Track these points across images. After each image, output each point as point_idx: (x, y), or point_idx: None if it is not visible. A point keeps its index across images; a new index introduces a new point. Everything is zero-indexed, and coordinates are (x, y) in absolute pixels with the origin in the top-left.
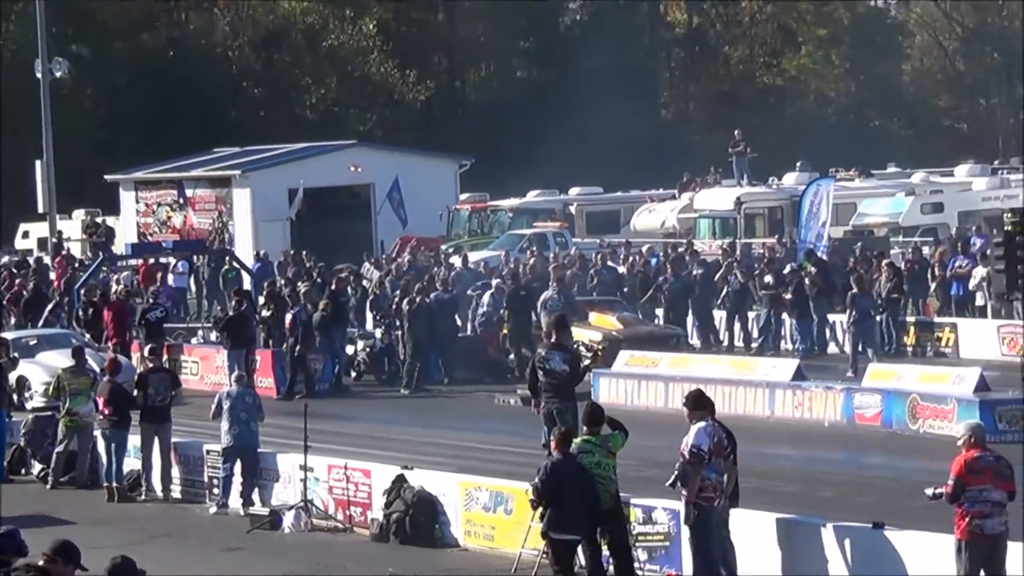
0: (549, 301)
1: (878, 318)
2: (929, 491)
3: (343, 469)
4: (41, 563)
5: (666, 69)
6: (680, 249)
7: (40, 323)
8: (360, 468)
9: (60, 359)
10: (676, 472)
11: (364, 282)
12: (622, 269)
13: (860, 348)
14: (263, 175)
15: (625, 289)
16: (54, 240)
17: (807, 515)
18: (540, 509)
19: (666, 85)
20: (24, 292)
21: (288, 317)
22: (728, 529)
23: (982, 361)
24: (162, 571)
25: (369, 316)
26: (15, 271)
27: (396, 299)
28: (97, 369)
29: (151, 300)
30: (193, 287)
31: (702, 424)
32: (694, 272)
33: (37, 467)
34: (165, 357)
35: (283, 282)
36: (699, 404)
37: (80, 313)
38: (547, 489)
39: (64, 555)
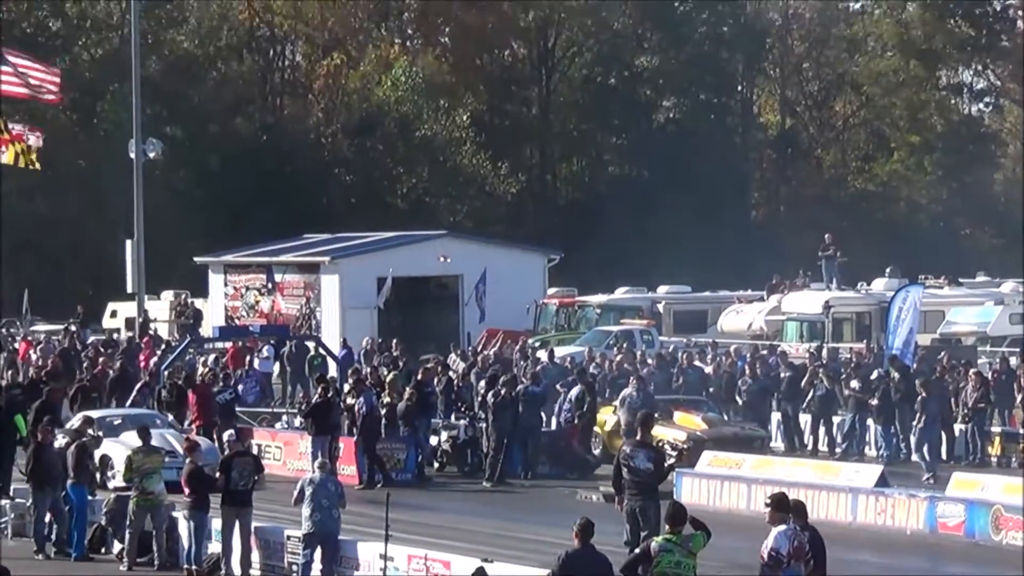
0: (628, 398)
1: (963, 427)
2: None
3: (423, 559)
4: None
5: (758, 170)
6: (763, 352)
7: (128, 403)
8: (440, 559)
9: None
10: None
11: (450, 373)
12: (708, 369)
13: (940, 454)
14: (352, 262)
15: (711, 389)
16: (141, 320)
17: None
18: None
19: (757, 186)
20: (110, 371)
21: (356, 405)
22: None
23: None
24: None
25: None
26: (101, 350)
27: (482, 391)
28: (179, 448)
29: (221, 383)
30: (278, 372)
31: (782, 527)
32: (782, 374)
33: (118, 547)
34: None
35: (368, 370)
36: (781, 506)
37: (163, 394)
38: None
39: None
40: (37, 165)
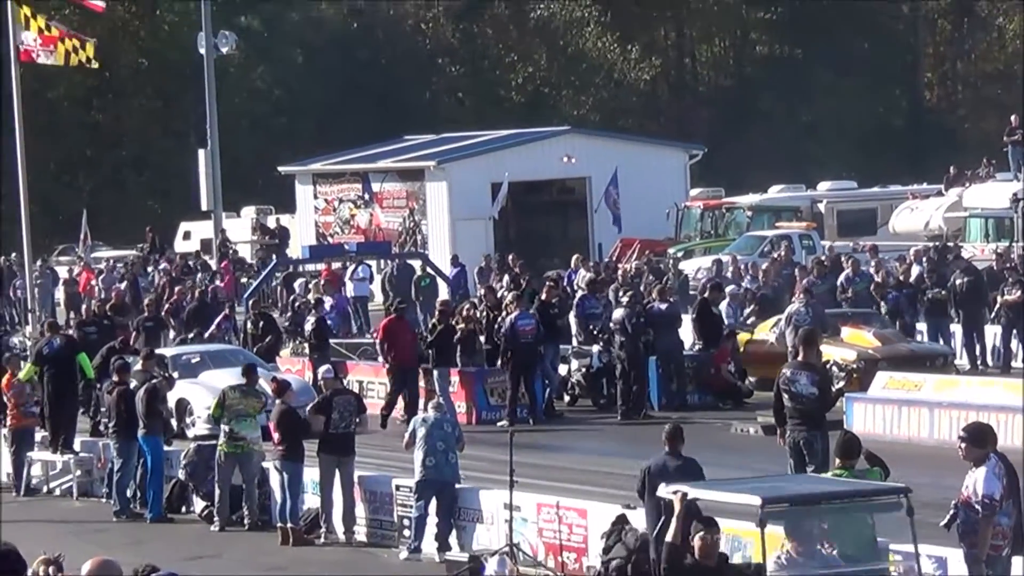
0: (795, 315)
1: None
2: None
3: (555, 508)
4: None
5: (930, 44)
6: (947, 254)
7: (206, 337)
8: (574, 507)
9: (229, 379)
10: (951, 512)
11: (579, 293)
12: (879, 277)
13: None
14: (462, 167)
15: (883, 301)
16: (219, 241)
17: None
18: None
19: (930, 63)
20: (186, 302)
21: (507, 324)
22: None
23: None
24: None
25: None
26: (175, 277)
27: (615, 311)
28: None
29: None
30: (379, 296)
31: (989, 465)
32: (962, 281)
33: (200, 504)
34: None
35: (483, 291)
36: (981, 439)
37: (248, 326)
38: (639, 490)
39: None
40: (95, 63)
